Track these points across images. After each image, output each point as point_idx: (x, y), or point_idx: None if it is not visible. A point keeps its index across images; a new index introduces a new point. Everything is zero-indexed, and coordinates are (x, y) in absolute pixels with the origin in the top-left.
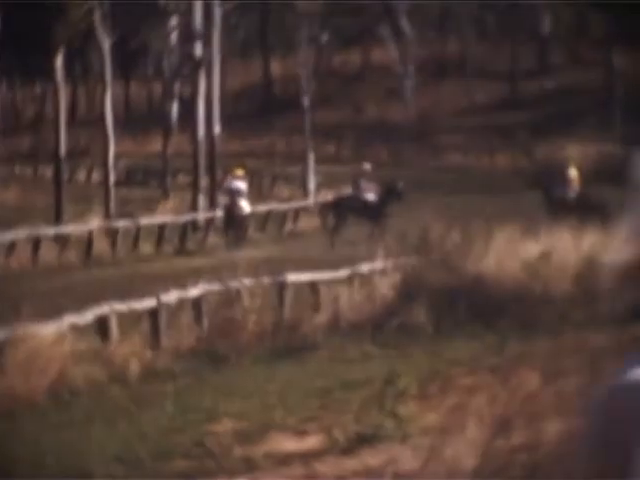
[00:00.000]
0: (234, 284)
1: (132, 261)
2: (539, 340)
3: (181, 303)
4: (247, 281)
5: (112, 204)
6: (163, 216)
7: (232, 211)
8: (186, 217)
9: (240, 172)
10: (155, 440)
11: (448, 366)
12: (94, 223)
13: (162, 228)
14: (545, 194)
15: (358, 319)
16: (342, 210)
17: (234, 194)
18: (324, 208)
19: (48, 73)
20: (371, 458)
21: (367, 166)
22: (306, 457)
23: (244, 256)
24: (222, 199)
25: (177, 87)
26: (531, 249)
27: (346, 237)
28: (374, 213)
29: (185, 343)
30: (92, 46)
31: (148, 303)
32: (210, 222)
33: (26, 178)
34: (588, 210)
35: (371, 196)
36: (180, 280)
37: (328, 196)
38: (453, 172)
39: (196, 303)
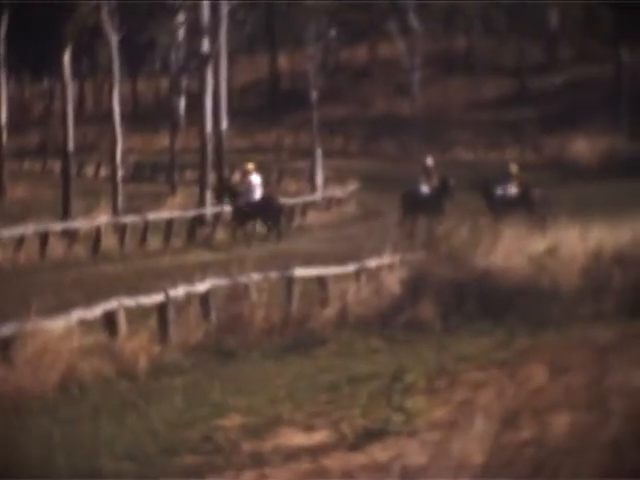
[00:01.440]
0: (242, 279)
1: (140, 256)
2: (547, 335)
3: (189, 298)
4: (255, 276)
5: (120, 199)
6: (171, 211)
7: (258, 204)
8: (194, 212)
9: (251, 166)
10: (163, 435)
11: (456, 361)
12: (102, 218)
13: (170, 223)
14: (486, 192)
15: (366, 314)
16: (406, 205)
17: (250, 188)
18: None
19: (56, 69)
20: (379, 453)
21: (430, 161)
22: (314, 452)
23: (252, 251)
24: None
25: (184, 83)
26: (538, 244)
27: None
28: (432, 207)
29: (193, 338)
30: (100, 42)
31: (156, 298)
32: (217, 217)
33: (35, 173)
34: (530, 207)
35: (426, 190)
36: (188, 275)
37: (336, 191)
38: (461, 167)
39: (204, 298)
